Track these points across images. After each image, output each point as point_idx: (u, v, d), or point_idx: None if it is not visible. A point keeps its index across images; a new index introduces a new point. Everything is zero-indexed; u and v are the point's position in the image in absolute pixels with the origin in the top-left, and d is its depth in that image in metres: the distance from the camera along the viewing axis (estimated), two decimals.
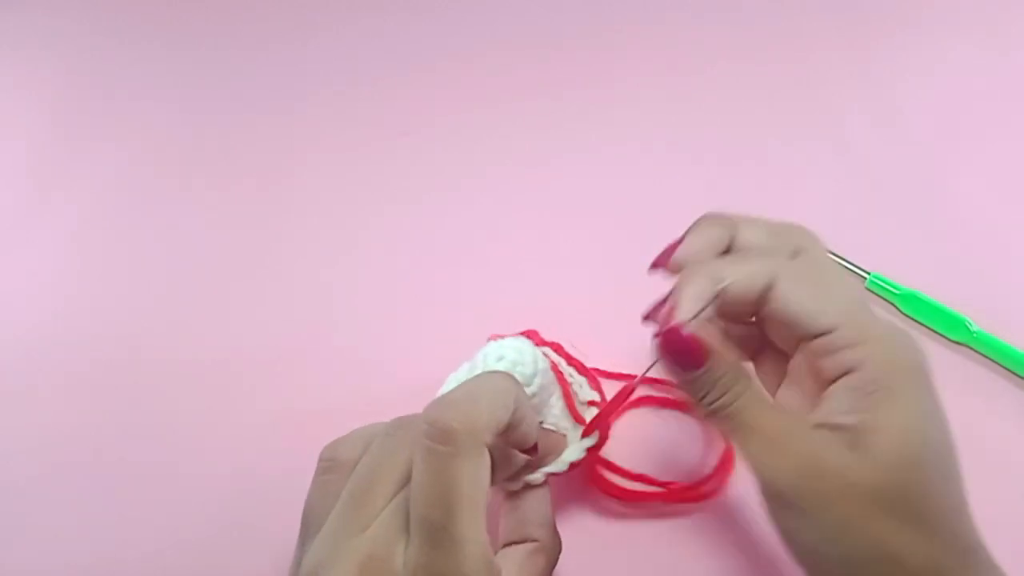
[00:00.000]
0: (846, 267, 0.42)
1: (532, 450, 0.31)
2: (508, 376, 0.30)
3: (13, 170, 0.52)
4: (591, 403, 0.35)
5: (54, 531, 0.38)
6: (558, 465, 0.32)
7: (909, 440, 0.26)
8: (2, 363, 0.44)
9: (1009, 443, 0.37)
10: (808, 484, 0.26)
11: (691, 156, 0.48)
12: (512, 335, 0.36)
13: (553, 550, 0.30)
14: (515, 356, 0.33)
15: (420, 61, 0.55)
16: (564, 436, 0.34)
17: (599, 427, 0.34)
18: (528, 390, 0.32)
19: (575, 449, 0.33)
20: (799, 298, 0.28)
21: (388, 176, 0.49)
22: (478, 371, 0.33)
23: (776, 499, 0.27)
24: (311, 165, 0.50)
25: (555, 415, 0.35)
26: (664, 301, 0.31)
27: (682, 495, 0.35)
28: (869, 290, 0.42)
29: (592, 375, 0.37)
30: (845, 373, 0.27)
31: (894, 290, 0.41)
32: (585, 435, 0.34)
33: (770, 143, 0.49)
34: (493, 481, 0.27)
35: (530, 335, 0.37)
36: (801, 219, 0.44)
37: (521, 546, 0.30)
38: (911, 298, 0.40)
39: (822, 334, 0.28)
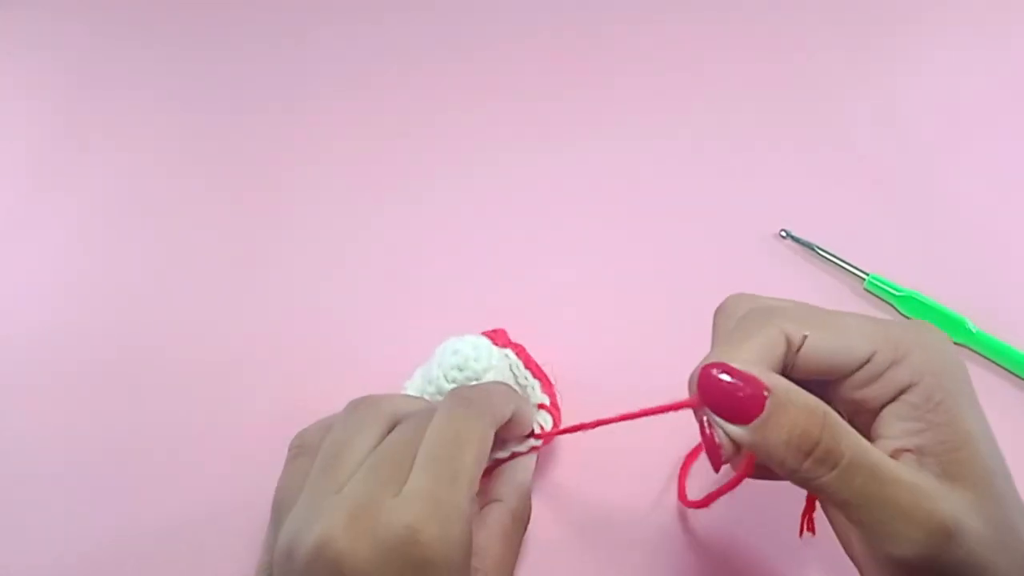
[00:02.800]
0: (845, 267, 0.42)
1: (530, 435, 0.34)
2: (508, 385, 0.34)
3: (13, 170, 0.52)
4: (540, 406, 0.36)
5: (53, 528, 0.38)
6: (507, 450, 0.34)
7: (986, 449, 0.24)
8: (2, 362, 0.44)
9: (1009, 443, 0.37)
10: (941, 550, 0.23)
11: (690, 157, 0.48)
12: (472, 334, 0.37)
13: (519, 510, 0.32)
14: (470, 351, 0.35)
15: (420, 61, 0.55)
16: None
17: (543, 437, 0.35)
18: (476, 383, 0.35)
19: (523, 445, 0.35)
20: (826, 339, 0.26)
21: (387, 176, 0.49)
22: (434, 365, 0.36)
23: (904, 569, 0.24)
24: (310, 165, 0.50)
25: None
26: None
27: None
28: (868, 291, 0.42)
29: (547, 379, 0.37)
30: (899, 393, 0.25)
31: (893, 291, 0.41)
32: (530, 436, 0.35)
33: (770, 143, 0.49)
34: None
35: (495, 334, 0.38)
36: (801, 219, 0.45)
37: (488, 505, 0.32)
38: (910, 299, 0.40)
39: (863, 364, 0.25)
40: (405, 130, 0.51)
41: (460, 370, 0.35)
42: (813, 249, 0.43)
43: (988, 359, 0.39)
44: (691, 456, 0.36)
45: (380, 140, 0.51)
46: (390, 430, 0.29)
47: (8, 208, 0.50)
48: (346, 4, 0.58)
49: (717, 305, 0.30)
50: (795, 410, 0.23)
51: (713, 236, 0.45)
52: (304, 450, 0.31)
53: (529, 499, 0.33)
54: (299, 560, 0.25)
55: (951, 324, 0.40)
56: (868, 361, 0.25)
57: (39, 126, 0.54)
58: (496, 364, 0.36)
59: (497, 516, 0.31)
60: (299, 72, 0.55)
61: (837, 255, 0.43)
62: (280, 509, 0.29)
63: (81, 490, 0.39)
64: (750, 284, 0.42)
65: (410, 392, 0.36)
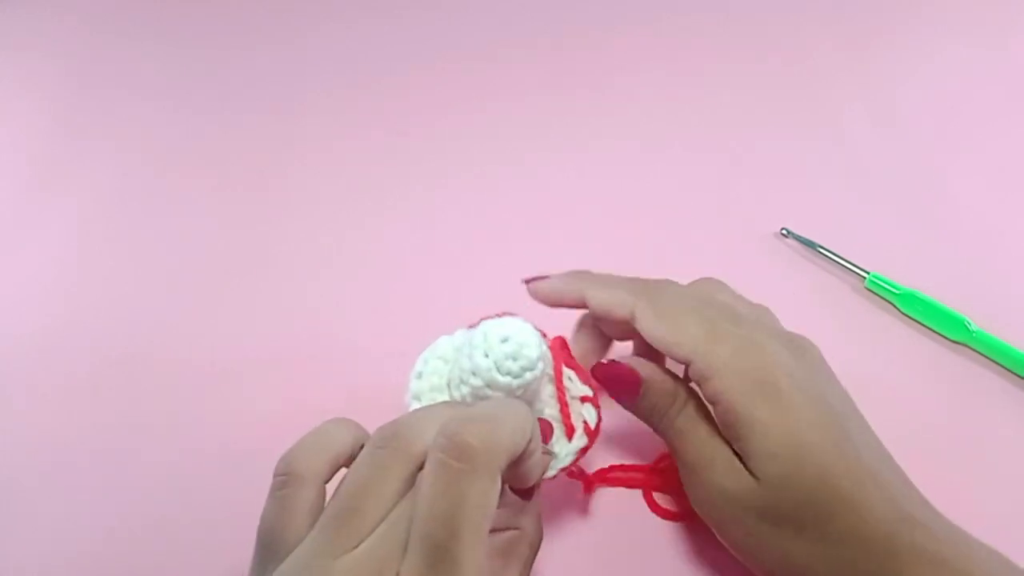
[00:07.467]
0: (846, 266, 0.42)
1: (528, 492, 0.30)
2: (525, 405, 0.28)
3: (13, 170, 0.52)
4: (584, 398, 0.32)
5: (54, 529, 0.38)
6: (549, 471, 0.31)
7: (778, 460, 0.28)
8: (2, 362, 0.44)
9: (1009, 443, 0.37)
10: (716, 509, 0.30)
11: (691, 156, 0.48)
12: (508, 316, 0.32)
13: (535, 538, 0.31)
14: (521, 338, 0.30)
15: (418, 61, 0.55)
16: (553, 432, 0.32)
17: (589, 434, 0.32)
18: (531, 374, 0.30)
19: (566, 454, 0.32)
20: (656, 329, 0.31)
21: (386, 176, 0.49)
22: (476, 354, 0.30)
23: (703, 516, 0.31)
24: (309, 164, 0.50)
25: (543, 400, 0.33)
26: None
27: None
28: (868, 289, 0.42)
29: (581, 368, 0.34)
30: (713, 403, 0.30)
31: (893, 289, 0.41)
32: (570, 436, 0.32)
33: (770, 143, 0.49)
34: None
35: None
36: (801, 217, 0.45)
37: (504, 534, 0.30)
38: (910, 298, 0.40)
39: (686, 363, 0.30)
40: (405, 130, 0.51)
41: (515, 359, 0.29)
42: (814, 247, 0.43)
43: (987, 358, 0.39)
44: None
45: (380, 140, 0.51)
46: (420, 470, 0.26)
47: (7, 208, 0.50)
48: (346, 4, 0.59)
49: None
50: (656, 389, 0.32)
51: (714, 234, 0.45)
52: (291, 478, 0.27)
53: (540, 523, 0.31)
54: None
55: (950, 323, 0.40)
56: (688, 365, 0.30)
57: (38, 125, 0.54)
58: (544, 351, 0.31)
59: (514, 545, 0.30)
60: (298, 73, 0.55)
61: (838, 253, 0.43)
62: (268, 546, 0.26)
63: (79, 490, 0.39)
64: (751, 282, 0.43)
65: (423, 391, 0.32)
